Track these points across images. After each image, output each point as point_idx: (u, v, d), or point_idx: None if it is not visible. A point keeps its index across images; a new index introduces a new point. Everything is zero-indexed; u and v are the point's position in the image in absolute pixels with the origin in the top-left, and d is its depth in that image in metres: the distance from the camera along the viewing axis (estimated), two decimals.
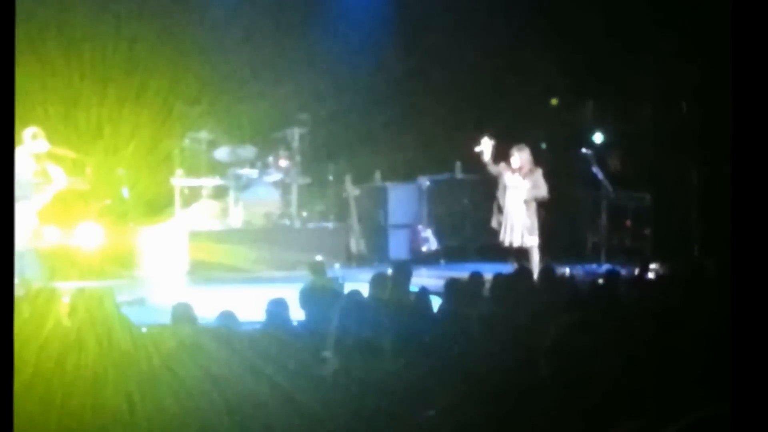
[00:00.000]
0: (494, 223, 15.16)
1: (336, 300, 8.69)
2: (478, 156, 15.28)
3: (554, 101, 20.23)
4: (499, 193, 15.06)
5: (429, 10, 19.63)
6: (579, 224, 18.19)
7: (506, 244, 15.00)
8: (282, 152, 18.15)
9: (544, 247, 15.06)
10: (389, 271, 10.69)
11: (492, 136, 15.15)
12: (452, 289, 9.14)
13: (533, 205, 14.97)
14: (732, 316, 4.72)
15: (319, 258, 13.02)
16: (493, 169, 15.05)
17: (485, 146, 15.02)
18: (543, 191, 14.95)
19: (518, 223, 14.90)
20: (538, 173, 14.97)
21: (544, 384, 5.07)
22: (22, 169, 13.69)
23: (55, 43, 16.94)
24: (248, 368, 5.40)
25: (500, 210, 15.03)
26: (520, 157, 14.92)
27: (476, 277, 10.19)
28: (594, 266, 16.58)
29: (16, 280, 10.28)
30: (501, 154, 15.19)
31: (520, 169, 14.90)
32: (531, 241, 14.90)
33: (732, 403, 4.11)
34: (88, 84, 16.95)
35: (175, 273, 16.55)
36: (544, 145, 18.93)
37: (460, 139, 19.11)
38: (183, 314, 7.78)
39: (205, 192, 17.99)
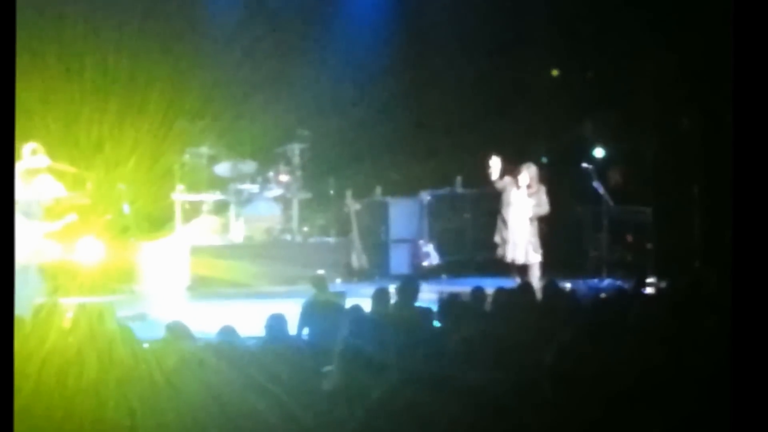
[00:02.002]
0: (497, 239, 15.15)
1: (338, 315, 8.69)
2: (479, 171, 15.29)
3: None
4: (503, 209, 15.05)
5: (430, 25, 19.66)
6: (580, 238, 18.17)
7: (509, 260, 15.00)
8: (283, 167, 18.16)
9: (545, 262, 15.06)
10: (391, 286, 10.67)
11: (497, 153, 15.17)
12: (453, 304, 9.13)
13: (536, 222, 14.99)
14: (732, 328, 4.71)
15: (320, 272, 13.00)
16: (498, 185, 15.06)
17: (493, 165, 15.03)
18: (546, 209, 14.98)
19: (522, 239, 14.90)
20: (542, 191, 14.99)
21: (546, 400, 5.06)
22: (21, 185, 13.69)
23: (55, 57, 16.94)
24: (249, 383, 5.39)
25: (504, 226, 15.01)
26: (529, 174, 14.93)
27: (478, 292, 10.19)
28: (595, 281, 16.57)
29: (18, 295, 10.25)
30: (504, 169, 15.20)
31: (527, 186, 14.90)
32: (534, 258, 14.90)
33: (732, 416, 4.10)
34: (88, 99, 16.95)
35: (175, 288, 16.54)
36: (545, 160, 18.93)
37: (460, 154, 19.14)
38: (178, 332, 7.76)
39: (205, 207, 17.99)
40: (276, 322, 8.22)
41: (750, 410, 4.19)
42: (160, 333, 7.92)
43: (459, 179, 19.25)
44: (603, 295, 11.81)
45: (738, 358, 4.55)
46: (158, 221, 17.51)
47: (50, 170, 14.37)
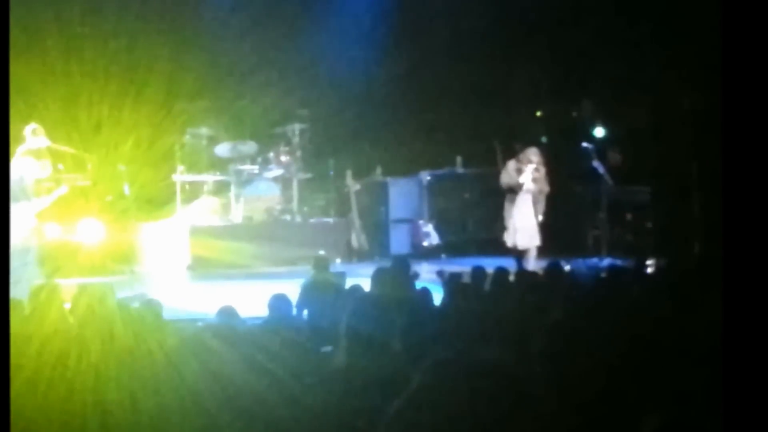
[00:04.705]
0: (502, 225, 15.14)
1: (338, 295, 8.71)
2: (479, 151, 15.30)
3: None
4: (507, 194, 15.03)
5: (429, 6, 19.62)
6: (580, 218, 18.17)
7: (513, 244, 14.98)
8: (282, 148, 18.17)
9: (546, 242, 15.08)
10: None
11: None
12: (454, 283, 9.15)
13: (539, 205, 15.00)
14: (724, 309, 4.72)
15: (322, 253, 13.02)
16: (504, 178, 15.05)
17: (498, 160, 15.08)
18: (547, 190, 14.99)
19: (527, 223, 14.89)
20: (544, 173, 15.00)
21: (544, 379, 5.07)
22: (23, 165, 13.69)
23: (55, 39, 16.94)
24: (251, 364, 5.40)
25: (510, 211, 15.00)
26: (533, 158, 14.92)
27: (478, 271, 10.21)
28: (595, 260, 16.57)
29: (14, 278, 10.28)
30: (506, 153, 15.23)
31: (535, 170, 14.88)
32: (537, 240, 14.91)
33: (725, 396, 4.12)
34: (88, 80, 16.95)
35: (176, 269, 16.57)
36: (544, 140, 18.93)
37: (460, 134, 19.14)
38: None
39: (205, 188, 18.00)
40: (279, 302, 8.23)
41: (745, 389, 4.20)
42: (161, 313, 7.95)
43: (459, 159, 19.25)
44: (603, 274, 11.81)
45: (733, 337, 4.56)
46: (158, 202, 17.53)
47: (50, 151, 14.38)
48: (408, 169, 19.35)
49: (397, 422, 3.24)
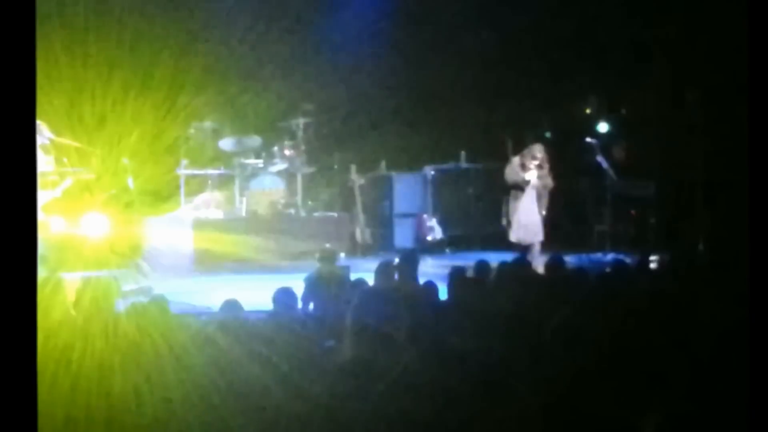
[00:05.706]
0: (506, 221, 15.15)
1: (342, 289, 8.71)
2: (483, 146, 15.30)
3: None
4: (512, 190, 15.04)
5: (434, 0, 19.61)
6: (584, 213, 18.19)
7: (518, 240, 14.97)
8: (287, 142, 18.17)
9: (549, 237, 15.08)
10: (395, 260, 10.70)
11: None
12: (457, 278, 9.15)
13: (544, 200, 15.01)
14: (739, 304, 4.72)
15: (328, 246, 13.03)
16: (509, 175, 15.05)
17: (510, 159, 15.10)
18: (551, 185, 15.00)
19: (532, 220, 14.90)
20: (548, 169, 15.01)
21: (548, 373, 5.08)
22: None
23: (60, 32, 16.92)
24: (255, 357, 5.42)
25: (514, 208, 15.00)
26: (538, 154, 14.93)
27: (482, 265, 10.21)
28: (599, 255, 16.59)
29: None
30: (511, 148, 15.22)
31: (538, 167, 14.89)
32: (541, 235, 14.92)
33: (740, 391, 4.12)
34: (92, 74, 16.94)
35: (180, 262, 16.56)
36: (548, 135, 18.93)
37: (465, 129, 19.14)
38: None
39: (210, 182, 17.99)
40: (283, 296, 8.24)
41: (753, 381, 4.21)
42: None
43: (463, 154, 19.24)
44: (607, 269, 11.83)
45: (739, 336, 4.56)
46: (163, 196, 17.53)
47: (54, 145, 14.40)
48: (412, 164, 19.35)
49: (396, 410, 3.26)
